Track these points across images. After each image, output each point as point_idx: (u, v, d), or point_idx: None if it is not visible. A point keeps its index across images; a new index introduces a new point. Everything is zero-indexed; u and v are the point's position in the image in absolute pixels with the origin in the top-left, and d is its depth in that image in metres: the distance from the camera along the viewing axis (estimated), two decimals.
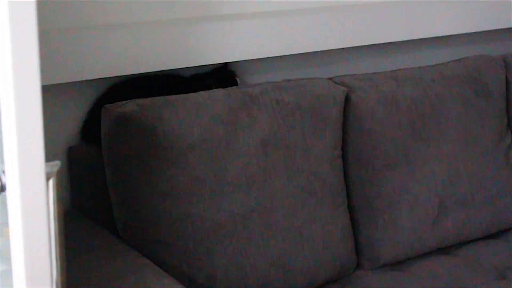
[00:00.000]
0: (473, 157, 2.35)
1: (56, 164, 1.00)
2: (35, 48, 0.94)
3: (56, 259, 1.04)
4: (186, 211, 1.86)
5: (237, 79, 2.21)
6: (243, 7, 2.26)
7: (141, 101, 1.87)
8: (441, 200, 2.27)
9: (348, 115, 2.16)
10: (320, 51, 2.40)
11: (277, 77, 2.25)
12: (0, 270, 1.13)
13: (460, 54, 2.63)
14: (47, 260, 1.02)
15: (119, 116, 1.83)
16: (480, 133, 2.38)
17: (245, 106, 1.97)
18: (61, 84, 1.97)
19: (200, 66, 2.17)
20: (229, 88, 2.05)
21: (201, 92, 1.97)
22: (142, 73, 2.08)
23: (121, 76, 2.07)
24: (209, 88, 2.04)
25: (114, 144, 1.86)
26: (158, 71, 2.10)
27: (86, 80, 2.02)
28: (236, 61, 2.24)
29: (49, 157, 1.00)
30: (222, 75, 2.20)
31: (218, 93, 1.98)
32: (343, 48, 2.46)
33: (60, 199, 1.02)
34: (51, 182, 1.00)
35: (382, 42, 2.52)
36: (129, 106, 1.85)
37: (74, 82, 2.00)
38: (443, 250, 2.32)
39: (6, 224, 1.01)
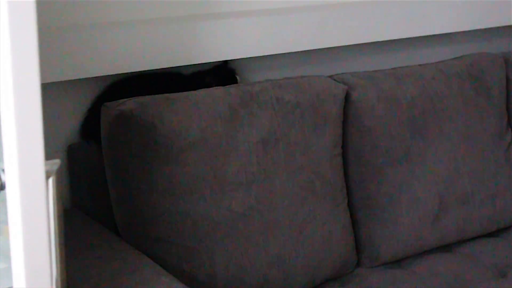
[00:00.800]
0: (473, 154, 2.35)
1: (56, 163, 1.00)
2: (35, 46, 0.94)
3: (56, 258, 1.04)
4: (186, 209, 1.86)
5: (237, 77, 2.21)
6: (243, 5, 2.26)
7: (141, 99, 1.87)
8: (441, 197, 2.27)
9: (348, 113, 2.16)
10: (320, 48, 2.40)
11: (277, 75, 2.24)
12: (0, 268, 1.13)
13: (460, 51, 2.63)
14: (47, 258, 1.02)
15: (119, 114, 1.83)
16: (480, 130, 2.38)
17: (245, 104, 1.97)
18: (60, 82, 1.97)
19: (200, 64, 2.17)
20: (229, 86, 2.04)
21: (201, 90, 1.97)
22: (142, 71, 2.08)
23: (121, 74, 2.07)
24: (209, 86, 2.04)
25: (114, 142, 1.86)
26: (158, 69, 2.10)
27: (86, 78, 2.02)
28: (236, 59, 2.24)
29: (48, 155, 1.00)
30: (222, 73, 2.20)
31: (218, 91, 1.98)
32: (343, 46, 2.46)
33: (59, 198, 1.02)
34: (50, 180, 1.00)
35: (382, 39, 2.52)
36: (129, 104, 1.85)
37: (74, 80, 2.00)
38: (443, 248, 2.32)
39: (5, 222, 1.01)
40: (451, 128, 2.31)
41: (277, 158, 1.99)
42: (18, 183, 0.96)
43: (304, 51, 2.36)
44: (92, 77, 2.02)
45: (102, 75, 2.03)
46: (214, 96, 1.95)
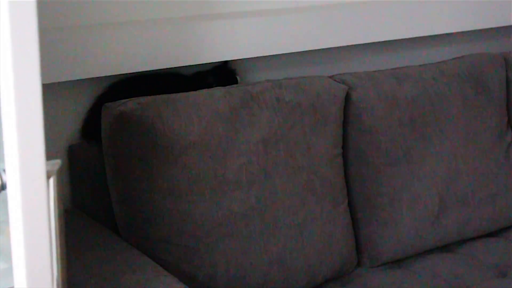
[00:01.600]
0: (473, 154, 2.36)
1: (57, 163, 1.00)
2: (36, 46, 0.94)
3: (57, 258, 1.04)
4: (186, 210, 1.86)
5: (238, 77, 2.22)
6: (244, 5, 2.26)
7: (141, 99, 1.87)
8: (442, 198, 2.27)
9: (348, 113, 2.16)
10: (321, 49, 2.40)
11: (277, 75, 2.25)
12: (0, 268, 1.13)
13: (460, 52, 2.63)
14: (48, 258, 1.02)
15: (119, 115, 1.83)
16: (481, 130, 2.38)
17: (245, 104, 1.97)
18: (61, 82, 1.97)
19: (200, 64, 2.17)
20: (229, 86, 2.05)
21: (201, 91, 1.97)
22: (143, 72, 2.08)
23: (121, 74, 2.07)
24: (209, 86, 2.04)
25: (115, 143, 1.86)
26: (158, 70, 2.10)
27: (87, 79, 2.02)
28: (237, 59, 2.24)
29: (49, 156, 1.00)
30: (223, 74, 2.20)
31: (219, 91, 1.98)
32: (344, 46, 2.46)
33: (60, 198, 1.02)
34: (51, 180, 1.00)
35: (383, 40, 2.52)
36: (130, 105, 1.85)
37: (74, 80, 2.00)
38: (444, 248, 2.32)
39: (6, 222, 1.01)
40: (451, 128, 2.31)
41: (278, 158, 1.99)
42: (19, 183, 0.96)
43: (305, 51, 2.37)
44: (92, 78, 2.03)
45: (102, 75, 2.03)
46: (214, 96, 1.95)
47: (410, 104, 2.24)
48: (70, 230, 1.15)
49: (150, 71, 2.09)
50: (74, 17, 1.99)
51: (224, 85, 2.06)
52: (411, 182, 2.23)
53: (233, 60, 2.24)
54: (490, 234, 2.43)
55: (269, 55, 2.30)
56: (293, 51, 2.33)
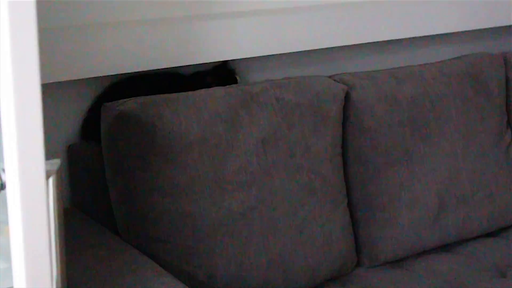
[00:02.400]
0: (473, 154, 2.36)
1: (56, 162, 1.00)
2: (35, 46, 0.94)
3: (56, 257, 1.05)
4: (186, 209, 1.86)
5: (237, 77, 2.22)
6: (243, 5, 2.26)
7: (141, 99, 1.88)
8: (441, 197, 2.27)
9: (348, 113, 2.16)
10: (320, 49, 2.40)
11: (277, 75, 2.25)
12: (0, 268, 1.13)
13: (460, 52, 2.63)
14: (47, 258, 1.02)
15: (119, 114, 1.84)
16: (480, 130, 2.38)
17: (245, 104, 1.97)
18: (61, 82, 1.97)
19: (200, 64, 2.17)
20: (229, 86, 2.05)
21: (201, 90, 1.97)
22: (142, 72, 2.09)
23: (121, 74, 2.07)
24: (209, 86, 2.04)
25: (114, 142, 1.86)
26: (158, 69, 2.10)
27: (86, 78, 2.02)
28: (236, 59, 2.24)
29: (49, 155, 1.00)
30: (222, 73, 2.20)
31: (218, 91, 1.98)
32: (343, 46, 2.46)
33: (60, 197, 1.02)
34: (51, 180, 1.00)
35: (382, 40, 2.53)
36: (129, 104, 1.85)
37: (74, 80, 2.00)
38: (443, 247, 2.32)
39: (6, 222, 1.01)
40: (450, 128, 2.31)
41: (277, 158, 1.99)
42: (18, 182, 0.96)
43: (304, 51, 2.37)
44: (92, 78, 2.03)
45: (102, 75, 2.03)
46: (214, 96, 1.95)
47: (410, 104, 2.24)
48: (69, 230, 1.16)
49: (149, 71, 2.09)
50: (73, 17, 1.99)
51: (223, 85, 2.06)
52: (410, 182, 2.23)
53: (233, 60, 2.24)
54: (490, 234, 2.43)
55: (269, 55, 2.31)
56: (292, 50, 2.33)
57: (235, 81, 2.19)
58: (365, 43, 2.50)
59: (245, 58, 2.27)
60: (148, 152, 1.84)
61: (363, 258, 2.19)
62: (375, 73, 2.28)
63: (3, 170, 0.98)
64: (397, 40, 2.58)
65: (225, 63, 2.22)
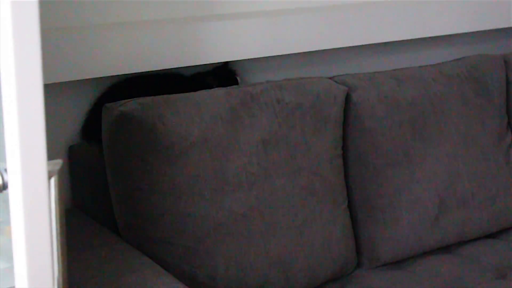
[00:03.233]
0: (473, 156, 2.36)
1: (58, 163, 1.00)
2: (38, 47, 0.95)
3: (58, 257, 1.05)
4: (186, 210, 1.87)
5: (238, 78, 2.22)
6: (244, 6, 2.26)
7: (142, 100, 1.88)
8: (441, 199, 2.27)
9: (348, 114, 2.16)
10: (321, 50, 2.40)
11: (277, 76, 2.25)
12: (1, 268, 1.14)
13: (460, 53, 2.63)
14: (49, 258, 1.02)
15: (120, 115, 1.84)
16: (480, 132, 2.39)
17: (245, 105, 1.97)
18: (62, 83, 1.98)
19: (201, 65, 2.17)
20: (229, 87, 2.05)
21: (202, 91, 1.98)
22: (143, 72, 2.09)
23: (122, 75, 2.07)
24: (210, 87, 2.04)
25: (115, 143, 1.86)
26: (159, 70, 2.11)
27: (87, 79, 2.03)
28: (237, 60, 2.25)
29: (50, 156, 1.00)
30: (223, 74, 2.20)
31: (219, 92, 1.98)
32: (344, 48, 2.46)
33: (61, 197, 1.02)
34: (52, 180, 1.00)
35: (383, 41, 2.53)
36: (130, 105, 1.85)
37: (75, 81, 2.01)
38: (444, 249, 2.32)
39: (7, 222, 1.01)
40: (451, 130, 2.31)
41: (278, 159, 1.99)
42: (20, 182, 0.97)
43: (305, 52, 2.37)
44: (93, 78, 2.03)
45: (103, 76, 2.03)
46: (215, 97, 1.95)
47: (410, 105, 2.24)
48: (70, 230, 1.16)
49: (150, 71, 2.10)
50: (75, 17, 1.99)
51: (224, 85, 2.06)
52: (411, 183, 2.23)
53: (234, 61, 2.24)
54: (490, 236, 2.43)
55: (269, 56, 2.31)
56: (293, 52, 2.34)
57: (235, 82, 2.19)
58: (366, 45, 2.51)
59: (246, 59, 2.27)
60: (149, 152, 1.84)
61: (363, 259, 2.20)
62: (376, 74, 2.28)
63: (5, 170, 0.98)
64: (398, 41, 2.59)
65: (226, 64, 2.23)
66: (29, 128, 0.95)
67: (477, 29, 2.74)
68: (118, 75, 2.06)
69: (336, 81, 2.19)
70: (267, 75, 2.33)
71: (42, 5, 0.98)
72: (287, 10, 2.33)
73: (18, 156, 0.96)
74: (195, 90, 1.98)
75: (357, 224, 2.19)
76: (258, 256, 1.94)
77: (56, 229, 1.03)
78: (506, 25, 2.80)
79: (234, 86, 2.09)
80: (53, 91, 1.98)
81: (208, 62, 2.18)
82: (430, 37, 2.65)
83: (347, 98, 2.16)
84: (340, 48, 2.45)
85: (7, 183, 0.98)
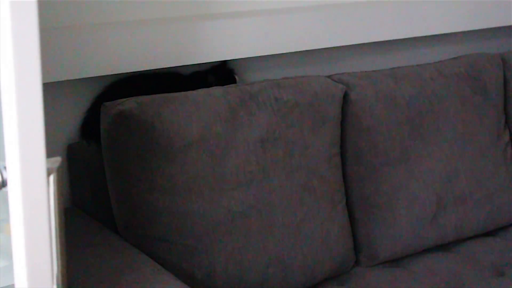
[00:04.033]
0: (471, 154, 2.36)
1: (57, 160, 1.01)
2: (36, 46, 0.95)
3: (57, 255, 1.05)
4: (185, 208, 1.87)
5: (236, 77, 2.22)
6: (242, 5, 2.26)
7: (140, 98, 1.88)
8: (439, 197, 2.28)
9: (346, 112, 2.17)
10: (319, 49, 2.41)
11: (275, 75, 2.25)
12: (1, 266, 1.14)
13: (458, 52, 2.63)
14: (48, 256, 1.03)
15: (118, 114, 1.84)
16: (478, 130, 2.39)
17: (244, 104, 1.97)
18: (60, 81, 1.98)
19: (199, 64, 2.18)
20: (228, 86, 2.05)
21: (200, 90, 1.98)
22: (141, 71, 2.09)
23: (120, 74, 2.07)
24: (208, 86, 2.04)
25: (114, 142, 1.86)
26: (157, 69, 2.11)
27: (86, 78, 2.03)
28: (235, 59, 2.25)
29: (48, 155, 1.01)
30: (221, 73, 2.20)
31: (217, 91, 1.98)
32: (342, 46, 2.46)
33: (60, 195, 1.03)
34: (51, 177, 1.00)
35: (381, 40, 2.53)
36: (129, 104, 1.85)
37: (73, 80, 2.01)
38: (441, 247, 2.33)
39: (7, 220, 1.02)
40: (449, 128, 2.32)
41: (276, 158, 2.00)
42: (19, 180, 0.97)
43: (303, 51, 2.37)
44: (91, 77, 2.03)
45: (101, 75, 2.04)
46: (213, 96, 1.95)
47: (408, 103, 2.24)
48: (70, 229, 1.16)
49: (148, 70, 2.10)
50: (74, 16, 1.99)
51: (222, 84, 2.07)
52: (408, 181, 2.23)
53: (232, 59, 2.24)
54: (488, 234, 2.43)
55: (268, 55, 2.31)
56: (291, 51, 2.34)
57: (234, 81, 2.20)
58: (364, 43, 2.51)
59: (244, 58, 2.27)
60: (147, 151, 1.84)
61: (361, 257, 2.20)
62: (374, 73, 2.28)
63: (5, 167, 0.99)
64: (396, 40, 2.59)
65: (224, 63, 2.23)
66: (28, 126, 0.96)
67: (475, 28, 2.74)
68: (116, 74, 2.06)
69: (334, 80, 2.19)
70: (265, 74, 2.33)
71: (41, 4, 0.98)
72: (285, 9, 2.33)
73: (17, 154, 0.96)
74: (193, 89, 1.98)
75: (355, 222, 2.19)
76: (256, 254, 1.95)
77: (56, 226, 1.03)
78: (503, 24, 2.80)
79: (233, 84, 2.10)
80: (52, 90, 1.98)
81: (206, 61, 2.18)
82: (428, 36, 2.66)
83: (345, 97, 2.16)
84: (338, 46, 2.45)
85: (6, 181, 0.99)
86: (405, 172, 2.23)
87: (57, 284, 1.07)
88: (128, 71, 2.07)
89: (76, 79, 2.01)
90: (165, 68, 2.12)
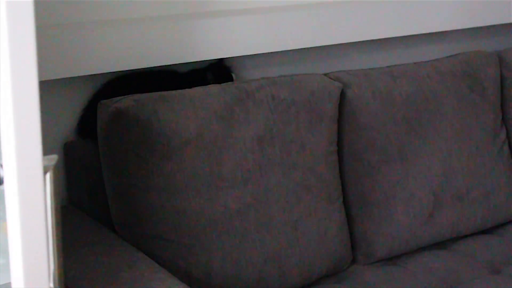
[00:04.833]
0: (467, 152, 2.36)
1: (54, 158, 1.01)
2: (33, 44, 0.95)
3: (54, 253, 1.05)
4: (182, 206, 1.87)
5: (233, 74, 2.22)
6: (239, 3, 2.26)
7: (137, 96, 1.88)
8: (436, 195, 2.28)
9: (343, 110, 2.17)
10: (316, 47, 2.41)
11: (272, 73, 2.25)
12: None
13: (455, 50, 2.63)
14: (45, 253, 1.03)
15: (115, 112, 1.84)
16: (475, 128, 2.39)
17: (240, 102, 1.97)
18: (57, 79, 1.98)
19: (196, 62, 2.18)
20: (224, 83, 2.05)
21: (197, 88, 1.98)
22: (138, 69, 2.09)
23: (117, 72, 2.07)
24: (205, 83, 2.04)
25: (110, 140, 1.86)
26: (154, 67, 2.11)
27: (83, 76, 2.03)
28: (232, 57, 2.25)
29: (45, 153, 1.00)
30: (218, 71, 2.20)
31: (214, 88, 1.98)
32: (339, 44, 2.46)
33: (57, 193, 1.03)
34: (48, 175, 1.00)
35: (378, 38, 2.53)
36: (125, 102, 1.85)
37: (70, 77, 2.01)
38: (438, 245, 2.33)
39: (3, 218, 1.02)
40: (445, 126, 2.32)
41: (273, 156, 2.00)
42: (16, 178, 0.97)
43: (300, 49, 2.37)
44: (88, 75, 2.03)
45: (98, 73, 2.04)
46: (210, 93, 1.95)
47: (405, 101, 2.25)
48: (66, 227, 1.16)
49: (145, 68, 2.10)
50: (70, 14, 1.99)
51: (219, 82, 2.07)
52: (405, 179, 2.23)
53: (229, 57, 2.24)
54: (484, 231, 2.44)
55: (265, 53, 2.31)
56: (288, 48, 2.34)
57: (231, 79, 2.20)
58: (361, 41, 2.51)
59: (241, 56, 2.27)
60: (144, 149, 1.84)
61: (358, 255, 2.20)
62: (371, 71, 2.28)
63: (1, 165, 0.99)
64: (393, 38, 2.59)
65: (221, 60, 2.23)
66: (25, 124, 0.96)
67: (471, 26, 2.75)
68: (113, 72, 2.06)
69: (331, 78, 2.19)
70: (262, 71, 2.33)
71: (37, 2, 0.98)
72: (282, 7, 2.34)
73: (14, 151, 0.96)
74: (190, 87, 1.98)
75: (352, 220, 2.20)
76: (253, 252, 1.95)
77: (52, 224, 1.03)
78: (500, 22, 2.80)
79: (229, 82, 2.09)
80: (48, 88, 1.98)
81: (203, 59, 2.18)
82: (424, 34, 2.66)
83: (342, 95, 2.16)
84: (335, 44, 2.45)
85: (2, 179, 0.98)
86: (402, 170, 2.23)
87: (54, 282, 1.07)
88: (125, 69, 2.07)
89: (73, 77, 2.01)
90: (162, 66, 2.12)
